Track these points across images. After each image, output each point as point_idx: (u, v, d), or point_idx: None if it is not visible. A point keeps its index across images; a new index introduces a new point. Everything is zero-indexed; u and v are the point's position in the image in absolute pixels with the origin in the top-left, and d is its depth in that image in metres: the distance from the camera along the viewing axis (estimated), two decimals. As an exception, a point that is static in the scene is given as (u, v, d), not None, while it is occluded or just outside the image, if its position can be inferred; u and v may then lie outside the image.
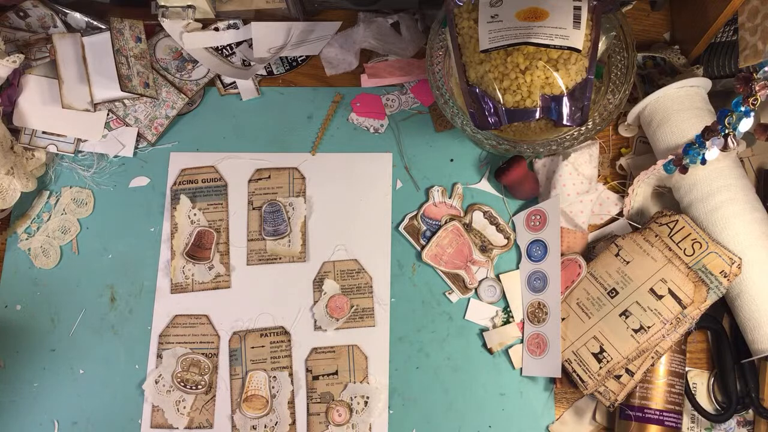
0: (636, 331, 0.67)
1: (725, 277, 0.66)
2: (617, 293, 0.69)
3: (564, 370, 0.70)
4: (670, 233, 0.69)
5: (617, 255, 0.71)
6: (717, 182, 0.69)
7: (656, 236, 0.69)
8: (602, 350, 0.68)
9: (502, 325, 0.74)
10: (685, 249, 0.68)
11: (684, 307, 0.66)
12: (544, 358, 0.71)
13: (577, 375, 0.69)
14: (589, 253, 0.75)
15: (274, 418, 0.73)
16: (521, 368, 0.73)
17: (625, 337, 0.67)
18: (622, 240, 0.71)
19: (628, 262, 0.70)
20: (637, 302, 0.68)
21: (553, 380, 0.73)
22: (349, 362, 0.75)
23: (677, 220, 0.69)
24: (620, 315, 0.68)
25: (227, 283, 0.77)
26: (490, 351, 0.74)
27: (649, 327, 0.66)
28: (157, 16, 0.80)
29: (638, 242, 0.70)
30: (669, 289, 0.67)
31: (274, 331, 0.76)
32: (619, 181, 0.78)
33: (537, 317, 0.73)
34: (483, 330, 0.75)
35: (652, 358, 0.67)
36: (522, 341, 0.74)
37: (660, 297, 0.67)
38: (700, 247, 0.67)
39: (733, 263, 0.66)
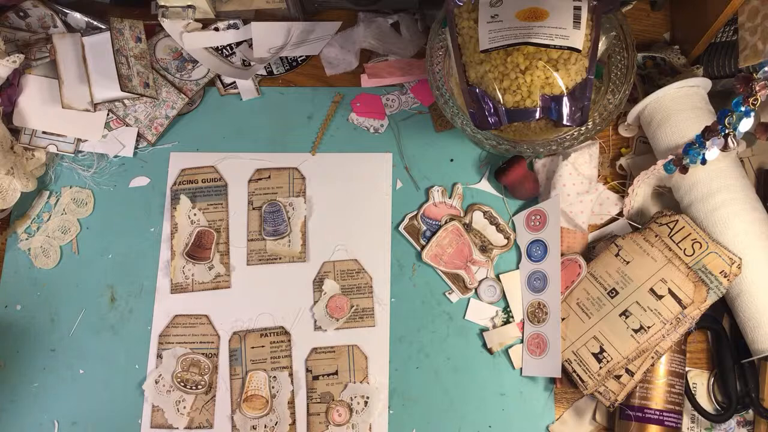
0: (636, 331, 0.67)
1: (725, 277, 0.66)
2: (617, 293, 0.69)
3: (564, 370, 0.70)
4: (670, 233, 0.69)
5: (617, 255, 0.71)
6: (717, 182, 0.68)
7: (656, 236, 0.69)
8: (602, 350, 0.68)
9: (502, 325, 0.74)
10: (685, 249, 0.68)
11: (684, 307, 0.66)
12: (544, 358, 0.71)
13: (577, 375, 0.69)
14: (589, 253, 0.75)
15: (274, 418, 0.73)
16: (521, 368, 0.73)
17: (625, 337, 0.67)
18: (622, 240, 0.71)
19: (628, 262, 0.70)
20: (637, 302, 0.68)
21: (553, 380, 0.73)
22: (349, 362, 0.75)
23: (677, 220, 0.69)
24: (620, 315, 0.68)
25: (227, 283, 0.77)
26: (490, 351, 0.74)
27: (649, 327, 0.66)
28: (157, 16, 0.80)
29: (638, 242, 0.70)
30: (669, 289, 0.67)
31: (274, 331, 0.76)
32: (619, 181, 0.78)
33: (537, 317, 0.73)
34: (483, 330, 0.75)
35: (652, 358, 0.67)
36: (522, 341, 0.74)
37: (660, 297, 0.67)
38: (700, 247, 0.67)
39: (733, 263, 0.66)
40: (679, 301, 0.66)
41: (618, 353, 0.67)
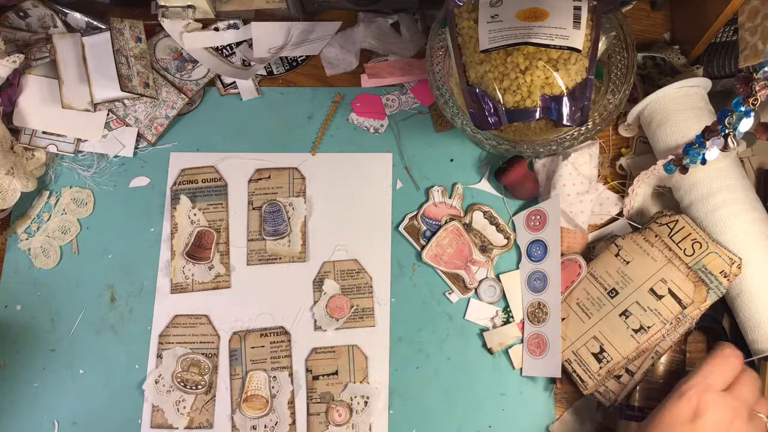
0: (636, 331, 0.67)
1: (725, 277, 0.66)
2: (617, 293, 0.69)
3: (564, 370, 0.70)
4: (670, 233, 0.69)
5: (617, 255, 0.71)
6: (717, 182, 0.68)
7: (656, 236, 0.69)
8: (602, 350, 0.68)
9: (502, 325, 0.74)
10: (685, 249, 0.68)
11: (684, 307, 0.66)
12: (544, 358, 0.71)
13: (577, 375, 0.69)
14: (589, 253, 0.75)
15: (274, 418, 0.73)
16: (521, 368, 0.73)
17: (625, 337, 0.67)
18: (622, 240, 0.71)
19: (628, 262, 0.70)
20: (637, 302, 0.68)
21: (553, 380, 0.73)
22: (349, 362, 0.75)
23: (677, 220, 0.69)
24: (620, 315, 0.68)
25: (227, 283, 0.77)
26: (490, 351, 0.74)
27: (649, 327, 0.66)
28: (157, 16, 0.80)
29: (638, 242, 0.70)
30: (669, 289, 0.67)
31: (274, 331, 0.76)
32: (619, 181, 0.78)
33: (537, 317, 0.73)
34: (483, 330, 0.75)
35: (652, 358, 0.67)
36: (522, 341, 0.74)
37: (660, 297, 0.67)
38: (700, 247, 0.67)
39: (733, 263, 0.66)
40: (679, 301, 0.66)
41: (618, 353, 0.67)
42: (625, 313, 0.68)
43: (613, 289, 0.70)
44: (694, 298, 0.66)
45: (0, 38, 0.77)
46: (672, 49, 0.78)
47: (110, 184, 0.81)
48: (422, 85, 0.82)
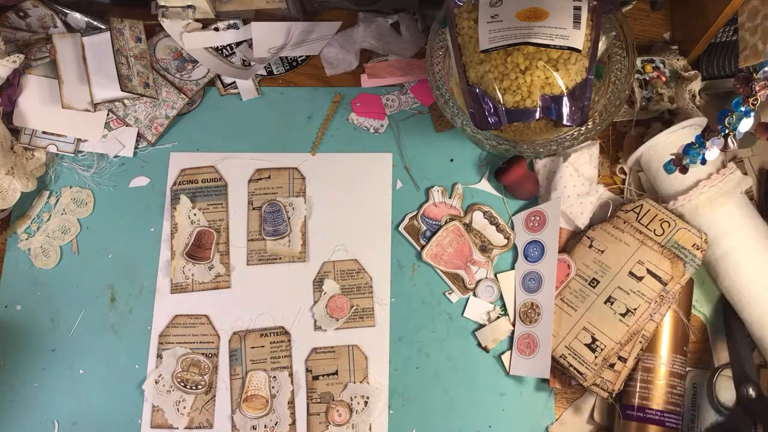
0: (623, 315, 0.68)
1: (698, 249, 0.68)
2: (598, 282, 0.71)
3: (560, 365, 0.70)
4: (637, 217, 0.71)
5: (591, 246, 0.72)
6: (730, 223, 0.69)
7: (625, 222, 0.71)
8: (594, 340, 0.69)
9: (495, 320, 0.74)
10: (654, 230, 0.70)
11: (665, 284, 0.68)
12: (534, 359, 0.71)
13: (575, 368, 0.69)
14: (564, 248, 0.75)
15: (274, 418, 0.73)
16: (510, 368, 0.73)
17: (614, 323, 0.68)
18: (593, 231, 0.73)
19: (602, 251, 0.71)
20: (619, 287, 0.69)
21: (548, 380, 0.72)
22: (349, 362, 0.75)
23: (642, 205, 0.71)
24: (605, 302, 0.69)
25: (227, 283, 0.77)
26: (485, 349, 0.74)
27: (635, 309, 0.68)
28: (157, 16, 0.80)
29: (608, 231, 0.72)
30: (647, 269, 0.69)
31: (274, 331, 0.76)
32: (620, 186, 0.78)
33: (529, 317, 0.73)
34: (478, 328, 0.75)
35: (640, 342, 0.68)
36: (513, 339, 0.73)
37: (640, 278, 0.69)
38: (669, 226, 0.69)
39: (702, 236, 0.68)
40: (659, 279, 0.68)
41: (610, 339, 0.68)
42: (609, 300, 0.69)
43: (594, 279, 0.71)
44: (673, 274, 0.68)
45: (0, 38, 0.77)
46: (671, 50, 0.78)
47: (110, 184, 0.81)
48: (422, 85, 0.82)
